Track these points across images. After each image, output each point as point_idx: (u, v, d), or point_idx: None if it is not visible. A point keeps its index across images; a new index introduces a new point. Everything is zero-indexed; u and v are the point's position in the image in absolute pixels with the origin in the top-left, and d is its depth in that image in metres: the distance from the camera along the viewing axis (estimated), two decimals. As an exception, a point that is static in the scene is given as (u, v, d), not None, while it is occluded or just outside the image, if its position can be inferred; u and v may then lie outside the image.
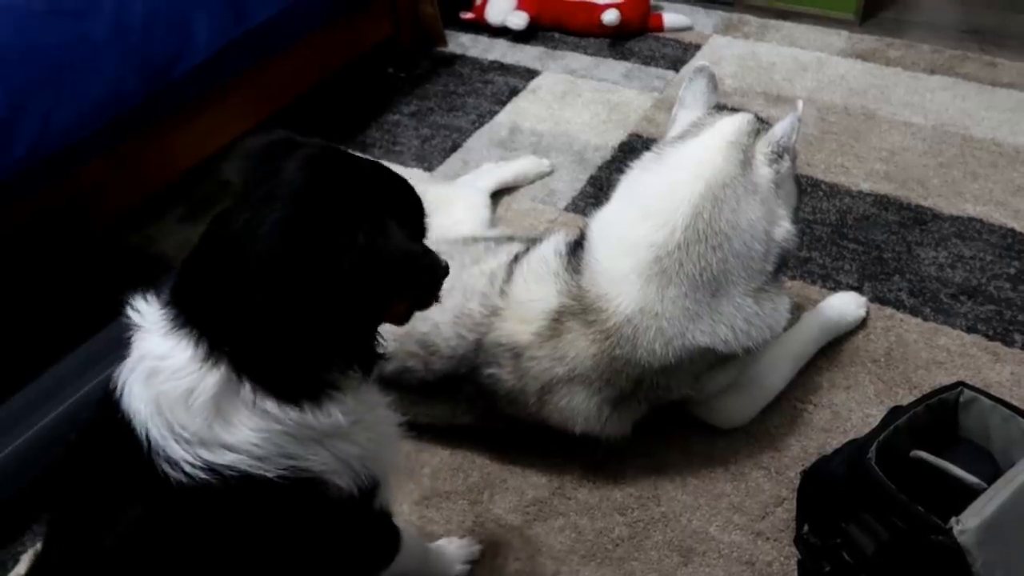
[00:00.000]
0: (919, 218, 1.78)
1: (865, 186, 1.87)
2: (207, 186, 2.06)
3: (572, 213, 1.86)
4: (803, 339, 1.44)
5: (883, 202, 1.82)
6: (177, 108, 1.75)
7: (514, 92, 2.33)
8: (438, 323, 1.23)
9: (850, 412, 1.39)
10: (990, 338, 1.50)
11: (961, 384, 1.18)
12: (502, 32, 2.62)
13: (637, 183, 1.20)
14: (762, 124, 1.20)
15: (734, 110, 1.25)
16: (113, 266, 1.83)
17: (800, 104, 1.16)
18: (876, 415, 1.34)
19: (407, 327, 1.24)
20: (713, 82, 1.29)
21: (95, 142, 1.59)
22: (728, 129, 1.17)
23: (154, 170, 1.82)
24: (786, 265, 1.26)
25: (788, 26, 2.53)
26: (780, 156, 1.15)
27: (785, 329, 1.35)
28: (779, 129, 1.15)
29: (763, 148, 1.15)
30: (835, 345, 1.49)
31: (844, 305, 1.51)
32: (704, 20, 2.61)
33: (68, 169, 1.59)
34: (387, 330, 1.26)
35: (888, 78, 2.23)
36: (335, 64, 2.22)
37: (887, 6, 2.65)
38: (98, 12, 1.56)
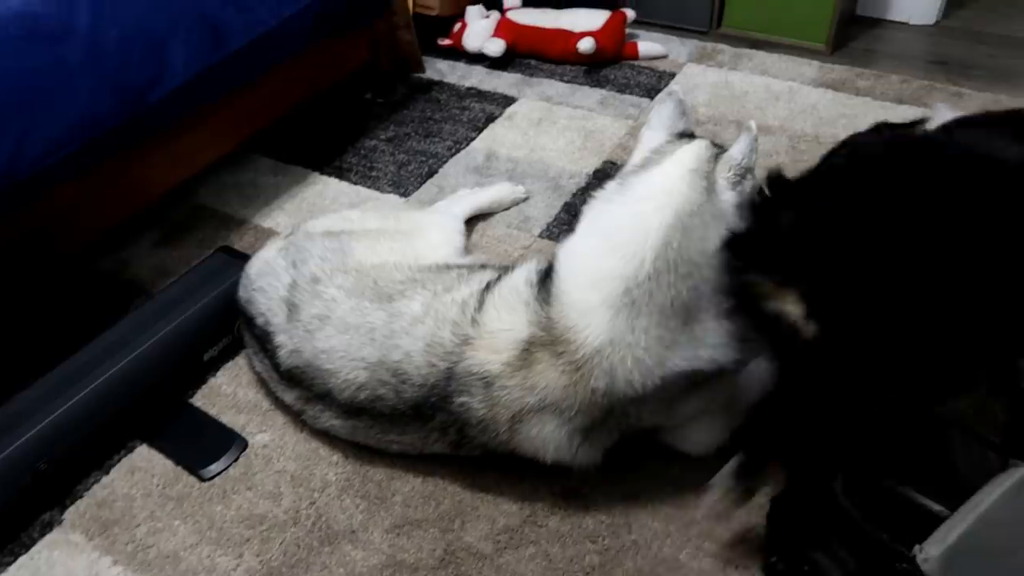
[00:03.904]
0: (887, 246, 1.80)
1: (835, 214, 1.90)
2: (183, 210, 2.06)
3: (547, 240, 1.88)
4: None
5: (852, 230, 1.85)
6: (154, 132, 1.75)
7: (491, 118, 2.35)
8: (410, 351, 1.23)
9: (820, 438, 1.40)
10: (956, 365, 1.52)
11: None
12: (479, 59, 2.65)
13: (602, 214, 1.21)
14: (719, 149, 1.21)
15: (693, 136, 1.27)
16: (84, 291, 1.82)
17: (753, 124, 1.17)
18: (845, 441, 1.36)
19: (379, 354, 1.25)
20: (682, 107, 1.30)
21: (69, 165, 1.58)
22: (689, 157, 1.19)
23: (130, 193, 1.82)
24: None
25: (761, 55, 2.58)
26: (742, 177, 1.16)
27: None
28: (736, 151, 1.16)
29: (724, 172, 1.16)
30: (805, 372, 1.51)
31: (813, 332, 1.52)
32: (679, 48, 2.66)
33: (41, 192, 1.58)
34: (358, 357, 1.27)
35: (858, 107, 2.28)
36: (313, 89, 2.23)
37: (857, 37, 2.71)
38: (73, 37, 1.56)
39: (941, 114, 1.29)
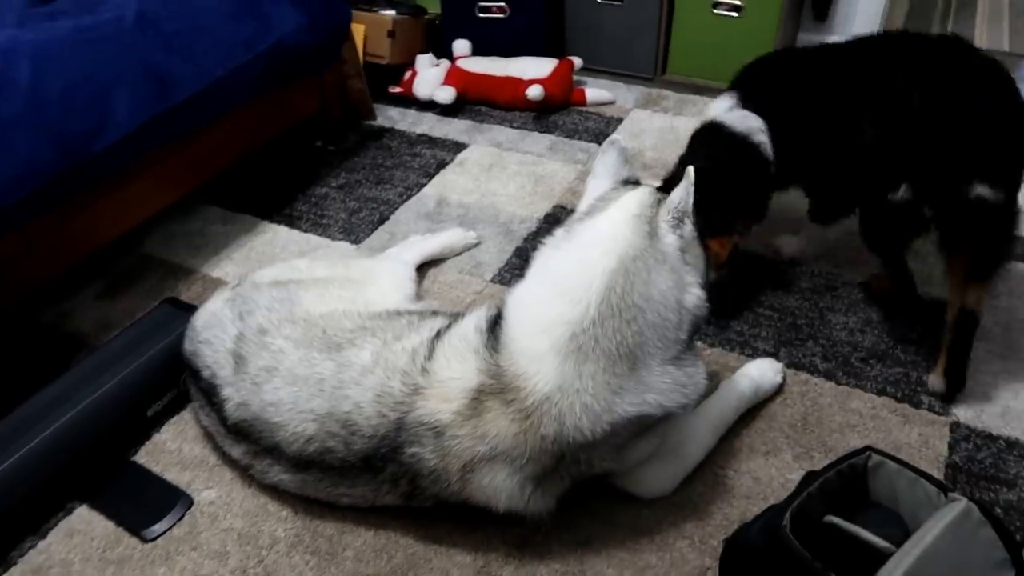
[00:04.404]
0: (830, 284, 1.86)
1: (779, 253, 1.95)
2: (129, 260, 2.02)
3: (499, 284, 1.89)
4: (723, 407, 1.47)
5: (796, 270, 1.90)
6: (98, 181, 1.73)
7: (442, 165, 2.38)
8: (359, 402, 1.22)
9: (771, 478, 1.42)
10: (899, 400, 1.56)
11: (869, 449, 1.22)
12: (430, 106, 2.69)
13: (549, 261, 1.22)
14: (662, 195, 1.24)
15: (637, 183, 1.30)
16: (23, 345, 1.77)
17: (691, 170, 1.20)
18: (795, 479, 1.37)
19: (328, 406, 1.24)
20: (624, 155, 1.33)
21: (10, 216, 1.55)
22: (632, 203, 1.21)
23: (73, 243, 1.78)
24: (699, 332, 1.29)
25: (704, 100, 2.65)
26: (681, 221, 1.19)
27: (705, 397, 1.39)
28: (675, 196, 1.20)
29: (665, 217, 1.19)
30: (753, 411, 1.53)
31: (762, 373, 1.55)
32: (625, 95, 2.73)
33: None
34: (306, 409, 1.25)
35: (797, 150, 2.35)
36: (263, 137, 2.23)
37: (795, 82, 2.81)
38: (12, 89, 1.54)
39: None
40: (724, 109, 1.71)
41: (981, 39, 3.14)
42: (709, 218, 1.60)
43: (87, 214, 1.77)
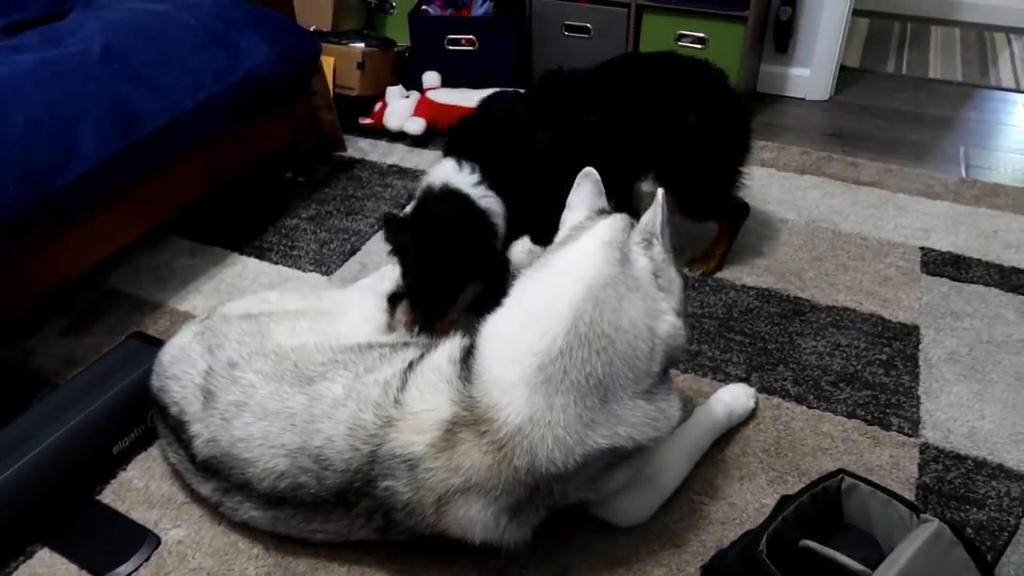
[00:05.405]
0: (798, 309, 1.88)
1: (748, 280, 1.98)
2: (94, 295, 1.98)
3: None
4: (697, 434, 1.48)
5: (765, 295, 1.93)
6: (62, 216, 1.70)
7: (413, 195, 2.37)
8: (332, 436, 1.20)
9: (746, 503, 1.42)
10: (869, 422, 1.57)
11: (841, 472, 1.23)
12: (400, 137, 2.70)
13: (522, 291, 1.22)
14: (635, 223, 1.25)
15: (612, 213, 1.31)
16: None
17: (660, 192, 1.22)
18: (770, 504, 1.38)
19: (300, 440, 1.22)
20: (598, 186, 1.34)
21: (-31, 254, 1.52)
22: (604, 230, 1.22)
23: (36, 279, 1.75)
24: (675, 364, 1.29)
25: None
26: (650, 242, 1.20)
27: (679, 423, 1.39)
28: (645, 219, 1.21)
29: (635, 240, 1.20)
30: (727, 436, 1.54)
31: (734, 399, 1.56)
32: (593, 125, 2.75)
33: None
34: (278, 444, 1.24)
35: (764, 178, 2.40)
36: (233, 169, 2.21)
37: (759, 111, 2.88)
38: (-26, 124, 1.52)
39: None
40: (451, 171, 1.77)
41: (935, 71, 3.24)
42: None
43: (52, 248, 1.74)
